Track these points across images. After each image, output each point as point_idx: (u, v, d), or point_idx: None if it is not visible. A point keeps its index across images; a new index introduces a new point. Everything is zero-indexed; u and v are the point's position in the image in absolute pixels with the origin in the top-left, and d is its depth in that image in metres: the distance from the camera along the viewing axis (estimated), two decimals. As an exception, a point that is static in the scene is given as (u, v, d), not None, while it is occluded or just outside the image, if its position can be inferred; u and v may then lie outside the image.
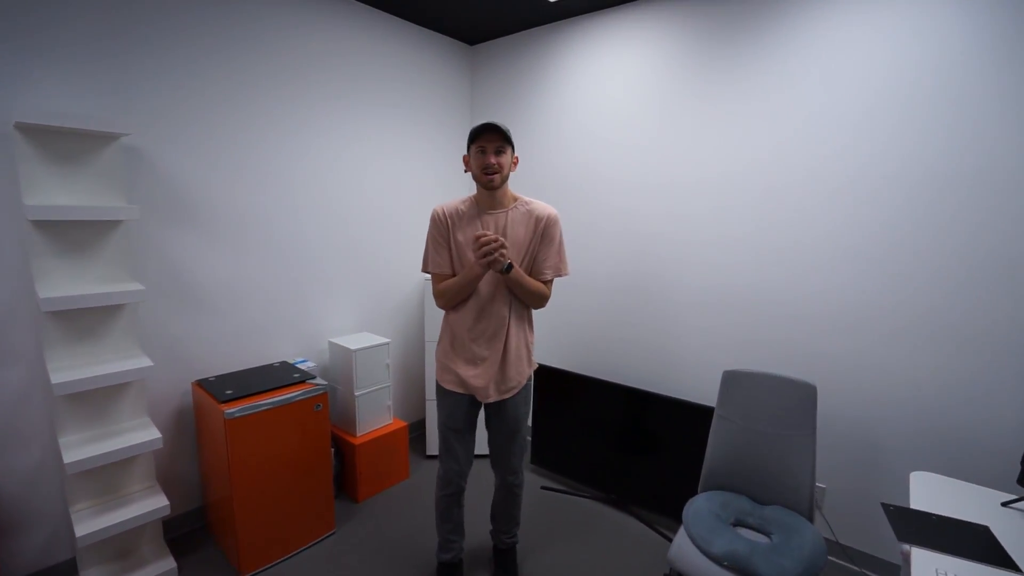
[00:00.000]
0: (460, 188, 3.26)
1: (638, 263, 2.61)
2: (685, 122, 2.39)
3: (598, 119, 2.70)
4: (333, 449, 2.44)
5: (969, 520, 1.33)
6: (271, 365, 2.36)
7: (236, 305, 2.31)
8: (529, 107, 3.00)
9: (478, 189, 1.72)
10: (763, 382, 1.82)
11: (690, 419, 2.23)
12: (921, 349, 1.88)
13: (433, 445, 2.87)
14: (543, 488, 2.66)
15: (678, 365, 2.51)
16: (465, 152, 1.71)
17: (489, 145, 1.61)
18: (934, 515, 1.35)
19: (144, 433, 1.85)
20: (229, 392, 1.99)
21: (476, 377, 1.73)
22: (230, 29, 2.15)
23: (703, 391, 2.37)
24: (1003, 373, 1.74)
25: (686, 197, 2.41)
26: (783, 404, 1.78)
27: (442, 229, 1.72)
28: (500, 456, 1.89)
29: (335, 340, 2.59)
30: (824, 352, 2.09)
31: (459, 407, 1.79)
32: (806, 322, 2.12)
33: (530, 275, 1.74)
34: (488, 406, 1.82)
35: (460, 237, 1.71)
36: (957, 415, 1.83)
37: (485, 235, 1.55)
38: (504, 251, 1.57)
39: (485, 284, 1.70)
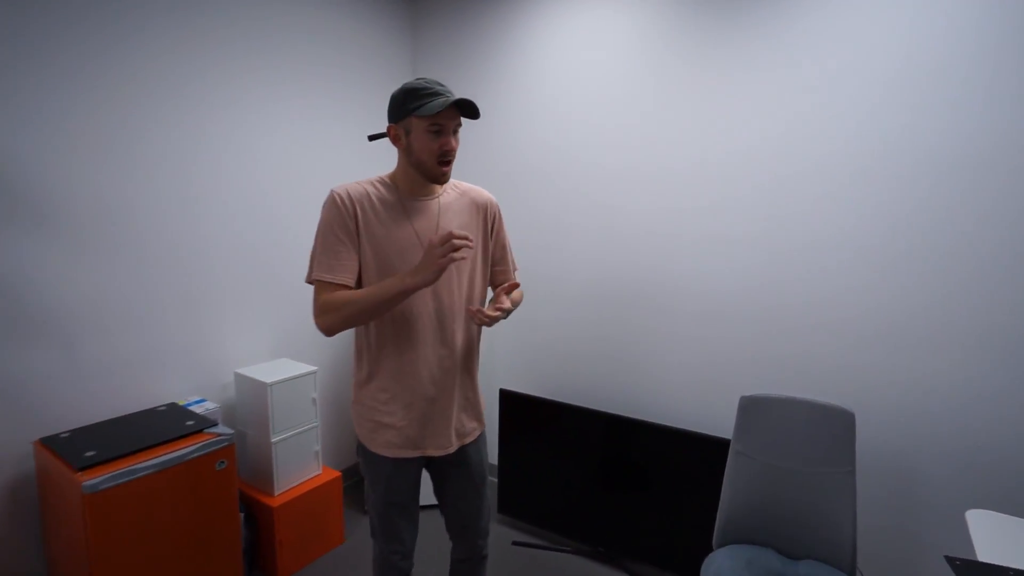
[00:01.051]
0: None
1: (623, 266, 2.40)
2: (681, 97, 2.19)
3: (574, 93, 2.46)
4: (243, 515, 2.07)
5: (1060, 577, 1.19)
6: (154, 410, 1.97)
7: (101, 331, 1.88)
8: (487, 77, 2.72)
9: (404, 170, 1.39)
10: (790, 409, 1.64)
11: (692, 452, 2.05)
12: (974, 361, 1.75)
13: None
14: (515, 544, 2.38)
15: (674, 387, 2.31)
16: (390, 121, 1.35)
17: (450, 123, 1.31)
18: (1011, 569, 1.20)
19: (-48, 523, 1.40)
20: (90, 454, 1.62)
21: (429, 426, 1.40)
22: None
23: (706, 418, 2.18)
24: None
25: (682, 188, 2.22)
26: (815, 436, 1.60)
27: (348, 219, 1.33)
28: (468, 520, 1.55)
29: (243, 371, 2.22)
30: (852, 368, 1.94)
31: (404, 475, 1.43)
32: (828, 332, 1.97)
33: (492, 281, 1.56)
34: (443, 460, 1.47)
35: (381, 234, 1.34)
36: (1020, 439, 1.72)
37: (461, 235, 1.19)
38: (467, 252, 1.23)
39: (428, 298, 1.37)
